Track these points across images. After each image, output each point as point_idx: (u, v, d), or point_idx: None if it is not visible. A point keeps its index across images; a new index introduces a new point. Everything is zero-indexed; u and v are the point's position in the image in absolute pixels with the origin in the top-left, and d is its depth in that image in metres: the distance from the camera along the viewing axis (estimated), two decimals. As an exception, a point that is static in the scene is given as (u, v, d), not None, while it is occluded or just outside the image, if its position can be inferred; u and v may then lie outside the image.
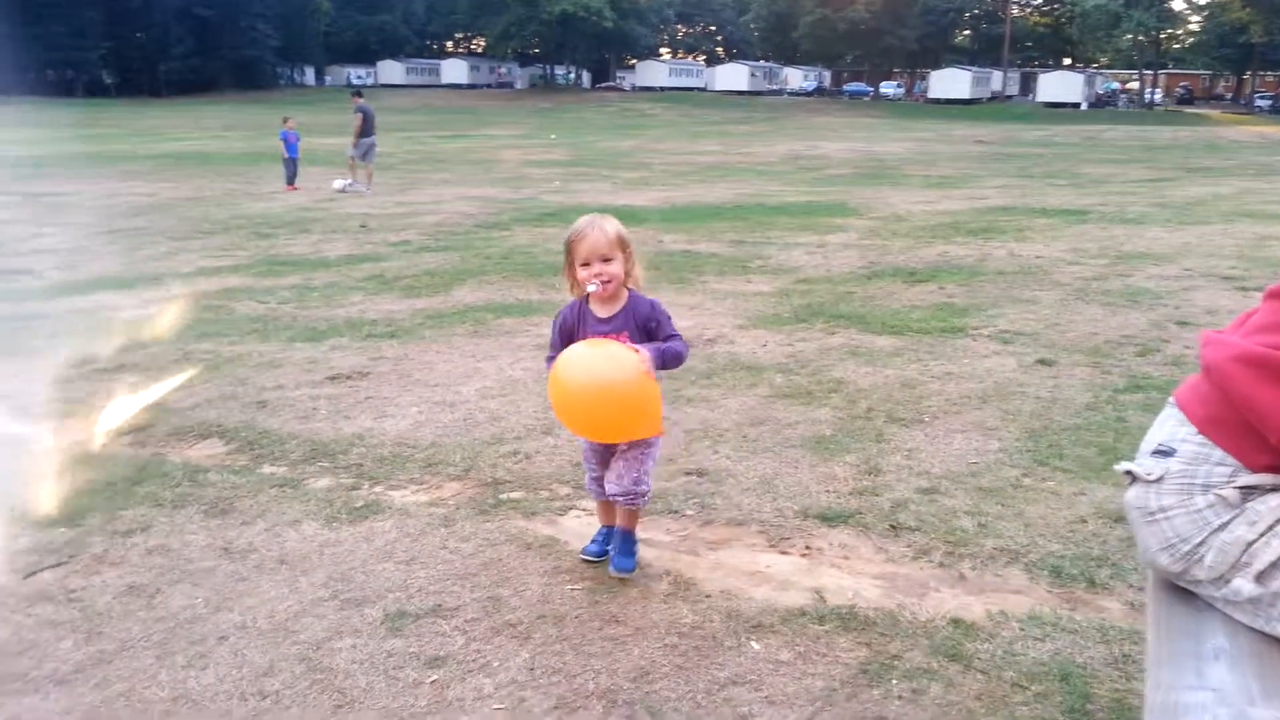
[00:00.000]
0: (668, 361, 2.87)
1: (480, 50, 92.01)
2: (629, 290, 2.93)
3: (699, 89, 76.99)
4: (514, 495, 3.82)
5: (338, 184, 16.49)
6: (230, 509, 3.74)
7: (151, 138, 32.48)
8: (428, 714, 2.43)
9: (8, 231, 11.74)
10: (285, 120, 17.63)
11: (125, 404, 5.13)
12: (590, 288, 2.83)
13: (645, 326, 2.91)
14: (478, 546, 3.36)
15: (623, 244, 2.86)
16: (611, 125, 43.54)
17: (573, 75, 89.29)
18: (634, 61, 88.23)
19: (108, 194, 15.86)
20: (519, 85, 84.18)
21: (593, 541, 3.29)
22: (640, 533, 3.29)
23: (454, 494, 3.88)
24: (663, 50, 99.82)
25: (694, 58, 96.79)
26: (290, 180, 16.89)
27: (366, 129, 16.98)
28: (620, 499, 3.05)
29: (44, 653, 2.77)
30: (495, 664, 2.63)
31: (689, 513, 3.59)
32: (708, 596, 2.97)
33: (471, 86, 79.82)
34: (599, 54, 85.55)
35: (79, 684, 2.63)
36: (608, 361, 2.74)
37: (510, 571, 3.17)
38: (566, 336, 2.96)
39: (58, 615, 2.98)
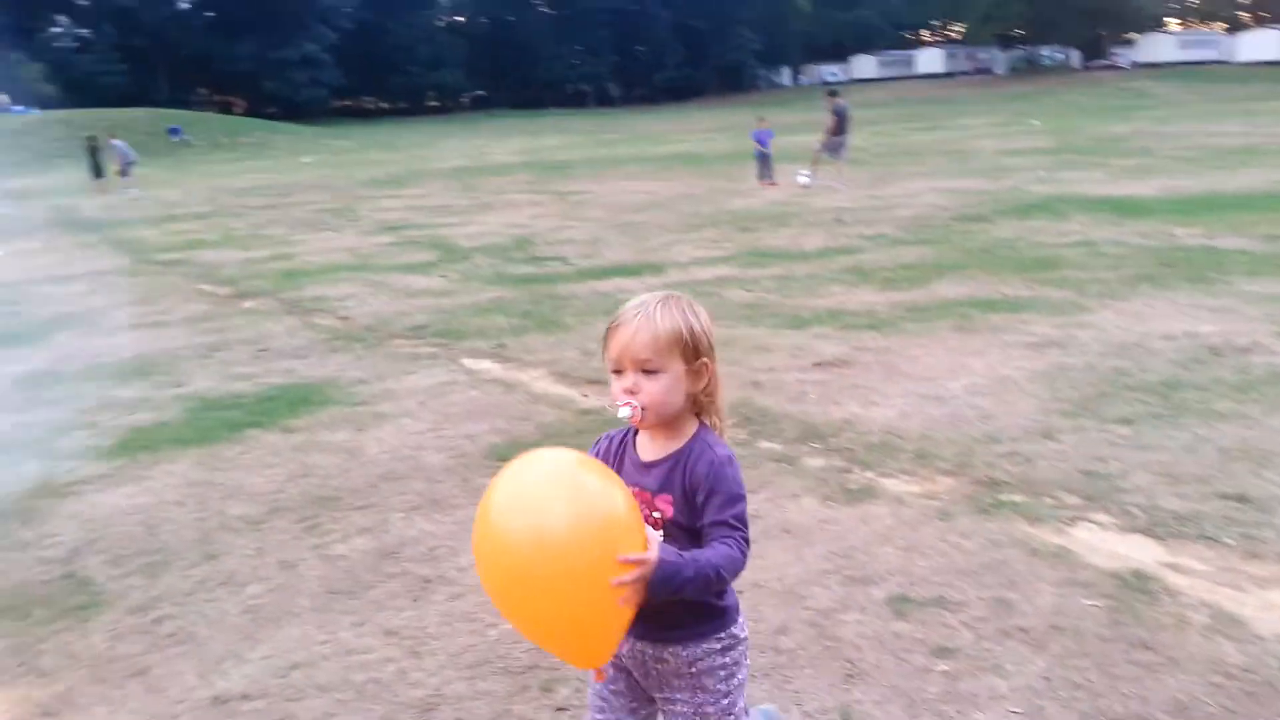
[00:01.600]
0: (688, 584, 1.57)
1: (958, 37, 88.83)
2: (700, 426, 1.73)
3: (1217, 62, 67.11)
4: (1015, 498, 3.67)
5: (801, 178, 16.96)
6: (736, 479, 4.05)
7: (648, 142, 36.00)
8: (939, 702, 2.43)
9: (543, 224, 13.76)
10: (759, 120, 18.52)
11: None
12: (621, 412, 1.67)
13: (691, 494, 1.67)
14: (980, 545, 3.29)
15: (686, 349, 1.67)
16: (1104, 108, 39.63)
17: (1060, 55, 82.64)
18: (1133, 35, 79.31)
19: (617, 192, 17.90)
20: (998, 70, 79.85)
21: None
22: (1166, 556, 2.99)
23: (947, 489, 3.83)
24: (1169, 20, 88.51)
25: (1210, 26, 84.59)
26: (765, 176, 17.72)
27: (840, 127, 17.24)
28: None
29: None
30: (1009, 667, 2.55)
31: (1229, 542, 3.18)
32: (1260, 639, 2.61)
33: (947, 75, 77.33)
34: (1090, 30, 78.20)
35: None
36: (569, 506, 1.51)
37: (1017, 576, 3.05)
38: None
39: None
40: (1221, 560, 3.08)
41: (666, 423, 1.69)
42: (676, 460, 1.68)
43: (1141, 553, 3.14)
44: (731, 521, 1.64)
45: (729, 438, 1.78)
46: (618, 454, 1.77)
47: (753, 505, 3.77)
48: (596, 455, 1.78)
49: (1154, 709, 2.32)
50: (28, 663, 2.99)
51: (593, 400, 5.36)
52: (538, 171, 23.68)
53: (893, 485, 3.89)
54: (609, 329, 1.68)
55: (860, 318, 6.92)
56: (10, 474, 4.72)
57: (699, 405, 1.72)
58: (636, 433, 1.75)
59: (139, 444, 5.05)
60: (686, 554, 1.58)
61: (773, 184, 17.41)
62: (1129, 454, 3.98)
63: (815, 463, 4.19)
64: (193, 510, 4.13)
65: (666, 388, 1.64)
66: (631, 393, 1.64)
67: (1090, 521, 3.41)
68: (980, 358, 5.67)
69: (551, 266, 10.20)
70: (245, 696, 2.73)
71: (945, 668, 2.58)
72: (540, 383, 5.83)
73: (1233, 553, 3.12)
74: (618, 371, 1.67)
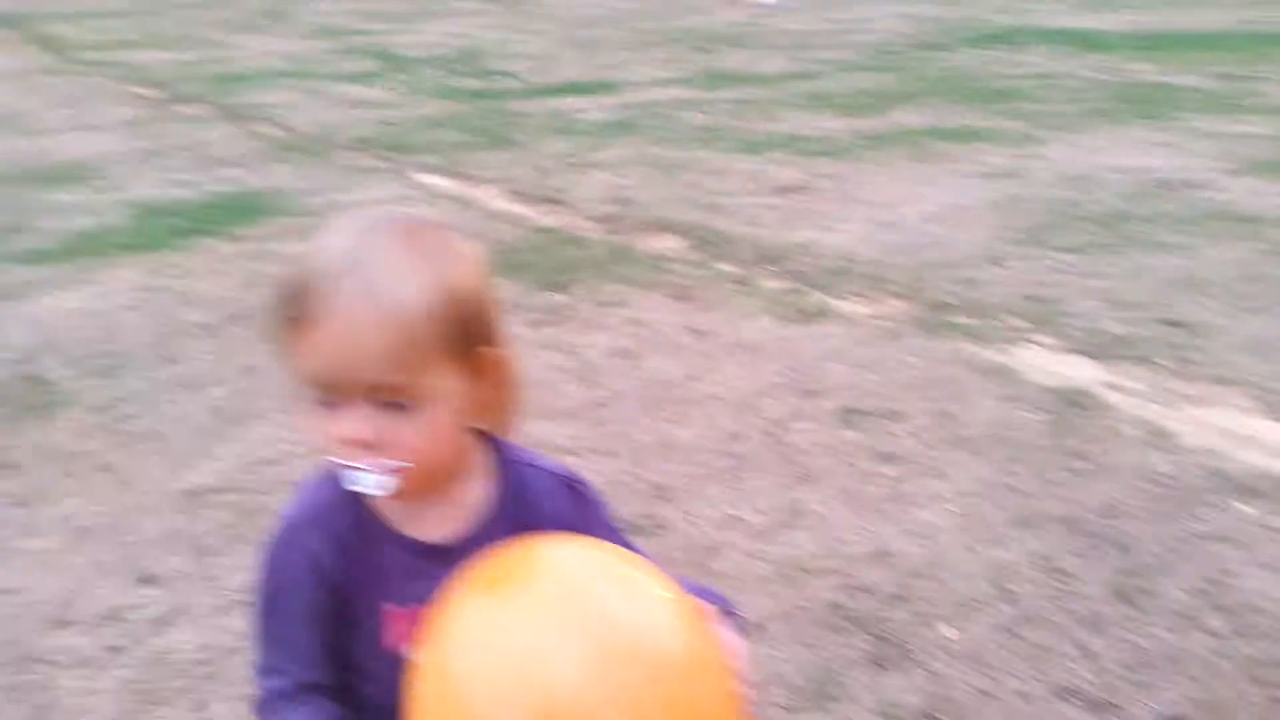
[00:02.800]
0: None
1: None
2: (490, 441, 1.01)
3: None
4: (961, 320, 3.80)
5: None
6: (693, 296, 4.11)
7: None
8: (884, 501, 2.60)
9: (491, 35, 13.18)
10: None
11: (599, 193, 5.71)
12: (357, 482, 0.88)
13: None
14: (927, 363, 3.42)
15: (453, 339, 0.87)
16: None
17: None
18: None
19: (569, 3, 17.09)
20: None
21: None
22: (1105, 375, 3.16)
23: (898, 310, 3.94)
24: None
25: None
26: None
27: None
28: None
29: (554, 390, 3.30)
30: (949, 472, 2.72)
31: (1164, 363, 3.35)
32: (1187, 450, 2.80)
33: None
34: None
35: (582, 419, 3.13)
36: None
37: (961, 391, 3.20)
38: (315, 617, 0.96)
39: (563, 363, 3.52)
40: (1156, 380, 3.26)
41: (433, 477, 0.92)
42: (495, 519, 0.96)
43: (1080, 371, 3.31)
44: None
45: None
46: (364, 545, 0.94)
47: (709, 324, 3.88)
48: (315, 566, 0.94)
49: (1085, 510, 2.51)
50: (-7, 457, 3.01)
51: (550, 220, 5.32)
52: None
53: (845, 307, 3.99)
54: (290, 315, 0.85)
55: (817, 144, 6.87)
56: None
57: (486, 418, 0.96)
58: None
59: (85, 249, 4.91)
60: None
61: (731, 2, 16.77)
62: (1074, 280, 4.12)
63: (771, 284, 4.26)
64: (147, 315, 4.08)
65: (435, 427, 0.87)
66: (369, 446, 0.85)
67: (1033, 343, 3.56)
68: (934, 186, 5.72)
69: (501, 82, 9.84)
70: (215, 490, 2.80)
71: (890, 472, 2.74)
72: (496, 201, 5.75)
73: (1167, 373, 3.30)
74: (328, 404, 0.86)
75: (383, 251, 0.84)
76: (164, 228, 5.23)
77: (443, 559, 0.92)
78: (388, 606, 0.95)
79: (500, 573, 0.85)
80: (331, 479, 0.92)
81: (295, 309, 0.84)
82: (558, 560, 0.87)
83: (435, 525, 0.95)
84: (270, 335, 0.88)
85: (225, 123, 8.10)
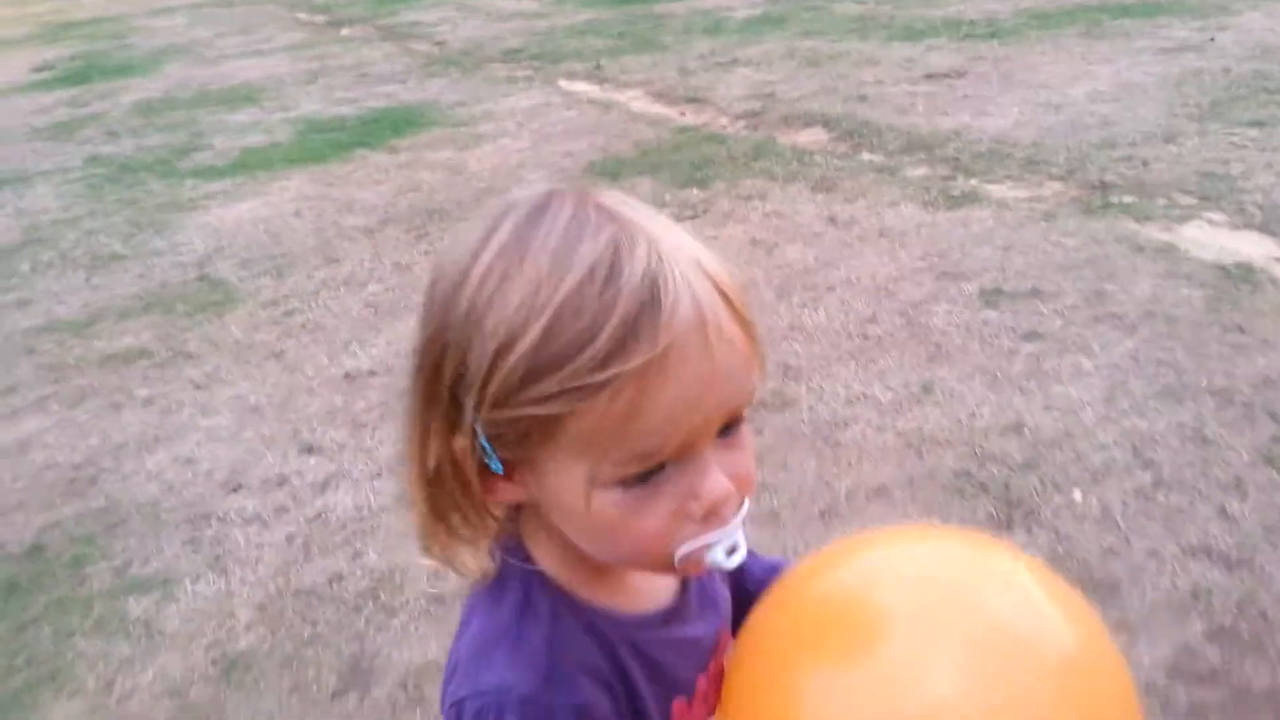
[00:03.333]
0: None
1: None
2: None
3: None
4: (1125, 199, 3.55)
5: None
6: (834, 187, 4.01)
7: None
8: (1022, 378, 2.50)
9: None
10: None
11: (742, 90, 5.61)
12: (730, 560, 0.63)
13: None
14: (1081, 243, 3.23)
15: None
16: None
17: None
18: None
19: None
20: None
21: None
22: (1277, 250, 2.90)
23: (1055, 193, 3.72)
24: None
25: None
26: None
27: None
28: None
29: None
30: (1096, 348, 2.59)
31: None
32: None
33: None
34: None
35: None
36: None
37: (1117, 269, 3.01)
38: None
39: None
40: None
41: None
42: (710, 587, 0.77)
43: (1251, 246, 3.04)
44: None
45: None
46: (614, 660, 0.67)
47: (850, 213, 3.78)
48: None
49: (1238, 382, 2.34)
50: (175, 348, 3.32)
51: (690, 118, 5.28)
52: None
53: (997, 191, 3.80)
54: (615, 375, 0.55)
55: (980, 26, 6.47)
56: (139, 191, 5.01)
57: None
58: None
59: (255, 163, 5.25)
60: None
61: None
62: (1254, 155, 3.76)
63: (918, 172, 4.10)
64: (310, 221, 4.34)
65: (750, 437, 0.66)
66: (730, 499, 0.62)
67: (1202, 219, 3.29)
68: (1107, 64, 5.29)
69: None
70: (371, 373, 2.99)
71: (1031, 349, 2.63)
72: (637, 102, 5.74)
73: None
74: (654, 471, 0.59)
75: (662, 231, 0.60)
76: (326, 142, 5.51)
77: (680, 619, 0.71)
78: (678, 703, 0.71)
79: (806, 599, 0.69)
80: (519, 614, 0.65)
81: (632, 360, 0.54)
82: (875, 569, 0.69)
83: (643, 582, 0.70)
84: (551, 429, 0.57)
85: (385, 42, 8.38)
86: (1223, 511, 1.92)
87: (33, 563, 2.32)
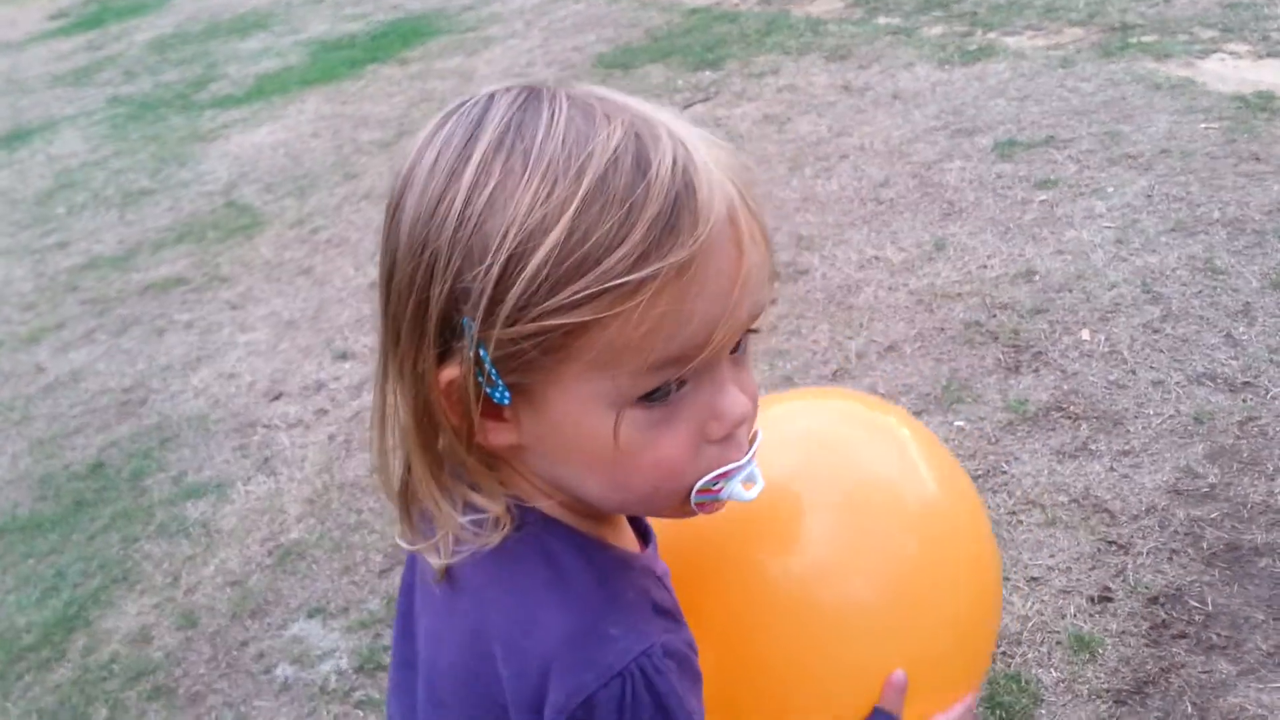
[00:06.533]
0: None
1: None
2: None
3: None
4: (1146, 39, 3.43)
5: None
6: (848, 55, 3.93)
7: None
8: (1034, 226, 2.49)
9: None
10: None
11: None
12: (749, 493, 0.60)
13: None
14: (1098, 86, 3.15)
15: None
16: None
17: None
18: None
19: None
20: None
21: None
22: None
23: (1074, 39, 3.61)
24: None
25: None
26: None
27: None
28: None
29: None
30: (1109, 189, 2.56)
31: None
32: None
33: None
34: None
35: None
36: None
37: (1133, 109, 2.94)
38: None
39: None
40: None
41: None
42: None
43: (1274, 75, 2.95)
44: None
45: None
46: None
47: (864, 79, 3.71)
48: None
49: (1252, 211, 2.31)
50: (210, 272, 3.43)
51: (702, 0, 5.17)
52: None
53: (1014, 41, 3.70)
54: (654, 272, 0.49)
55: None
56: (161, 127, 5.09)
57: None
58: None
59: (270, 88, 5.28)
60: None
61: None
62: (1285, -21, 3.60)
63: (935, 30, 4.00)
64: (328, 140, 4.39)
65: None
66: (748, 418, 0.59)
67: (1224, 52, 3.19)
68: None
69: None
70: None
71: (1044, 197, 2.60)
72: (648, -12, 5.62)
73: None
74: (681, 381, 0.54)
75: (672, 120, 0.53)
76: (338, 60, 5.51)
77: (653, 563, 0.66)
78: None
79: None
80: (585, 570, 0.58)
81: (671, 255, 0.49)
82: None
83: (626, 531, 0.66)
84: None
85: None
86: (1229, 338, 1.93)
87: (96, 480, 2.48)
